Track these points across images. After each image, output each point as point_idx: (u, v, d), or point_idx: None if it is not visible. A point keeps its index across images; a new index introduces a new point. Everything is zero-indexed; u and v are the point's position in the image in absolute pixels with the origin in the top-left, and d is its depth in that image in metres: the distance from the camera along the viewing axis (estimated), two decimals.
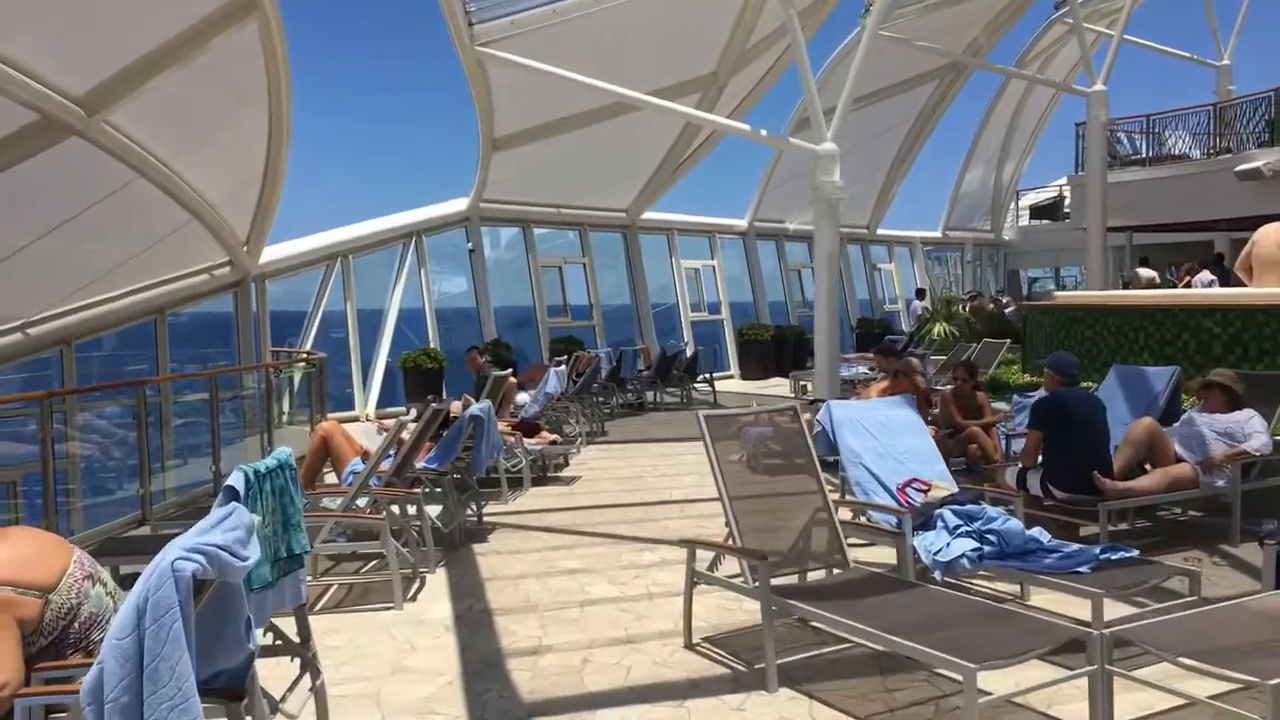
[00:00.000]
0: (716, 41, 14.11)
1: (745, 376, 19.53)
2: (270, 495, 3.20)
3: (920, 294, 21.70)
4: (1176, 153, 19.00)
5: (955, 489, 5.11)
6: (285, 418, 12.59)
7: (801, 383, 16.71)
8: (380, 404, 14.63)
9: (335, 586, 5.70)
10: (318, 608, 5.33)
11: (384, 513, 5.56)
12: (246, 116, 10.46)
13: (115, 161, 9.02)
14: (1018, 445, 7.11)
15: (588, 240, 18.13)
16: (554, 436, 9.10)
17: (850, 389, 11.17)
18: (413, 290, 15.42)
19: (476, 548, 6.53)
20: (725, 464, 4.48)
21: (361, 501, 5.79)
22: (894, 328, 23.93)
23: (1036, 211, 29.98)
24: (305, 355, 12.92)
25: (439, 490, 6.52)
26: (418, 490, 5.98)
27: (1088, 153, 17.04)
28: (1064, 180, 30.69)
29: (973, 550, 4.39)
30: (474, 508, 7.25)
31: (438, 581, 5.76)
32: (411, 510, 6.24)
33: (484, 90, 12.68)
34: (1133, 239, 19.01)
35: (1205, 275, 15.65)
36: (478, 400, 8.57)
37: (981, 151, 26.72)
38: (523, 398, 11.04)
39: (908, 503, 4.97)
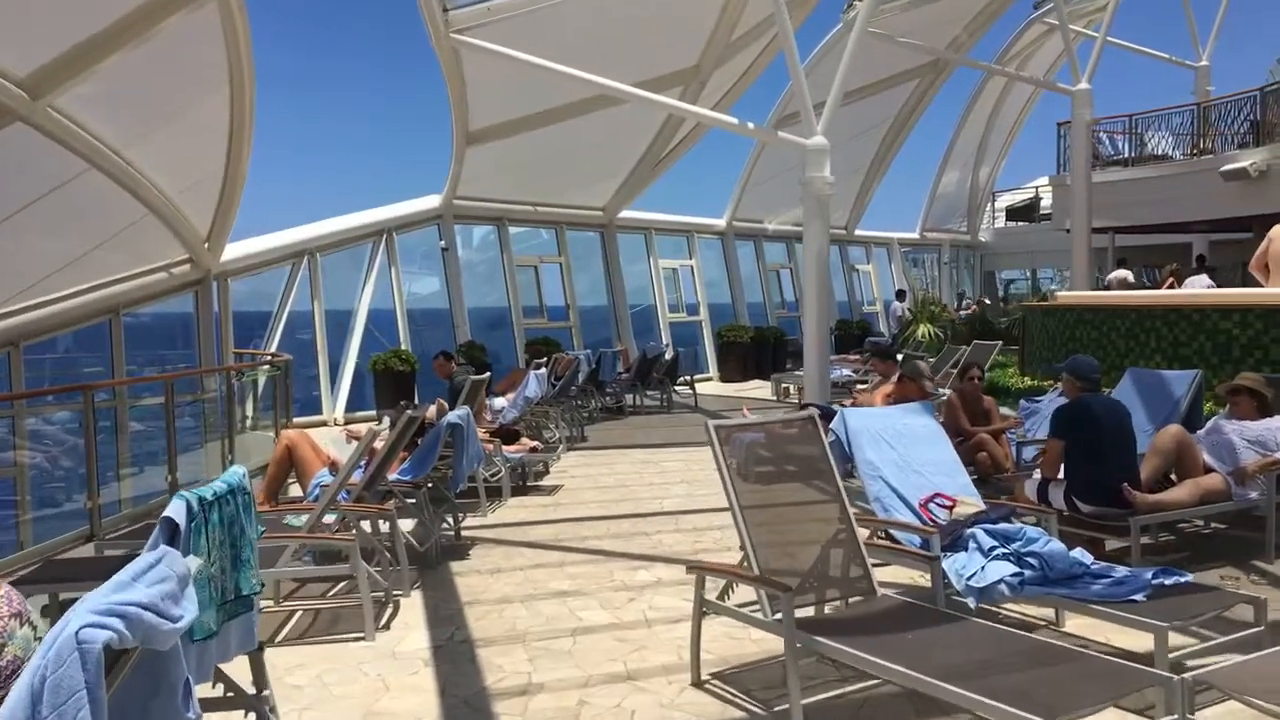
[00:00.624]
0: (699, 33, 13.68)
1: (724, 379, 19.11)
2: (218, 527, 2.70)
3: (901, 295, 21.41)
4: (1159, 153, 18.81)
5: (981, 505, 4.69)
6: (249, 423, 12.01)
7: (784, 385, 16.33)
8: (349, 408, 14.05)
9: (300, 613, 5.17)
10: (280, 638, 4.81)
11: (353, 531, 5.05)
12: (206, 104, 9.87)
13: (64, 150, 8.42)
14: (1028, 453, 6.72)
15: (564, 239, 17.64)
16: (534, 443, 8.61)
17: (842, 393, 10.76)
18: (383, 290, 14.85)
19: (455, 566, 6.03)
20: (737, 478, 4.01)
21: (329, 518, 5.27)
22: (873, 329, 23.63)
23: (1012, 213, 29.84)
24: (269, 357, 12.32)
25: (412, 503, 6.01)
26: (390, 506, 5.48)
27: (1072, 152, 16.80)
28: (1041, 181, 30.64)
29: (1012, 575, 3.96)
30: (451, 522, 6.75)
31: (413, 606, 5.25)
32: (384, 527, 5.74)
33: (458, 81, 12.16)
34: (1115, 240, 18.81)
35: (1203, 279, 15.37)
36: (452, 407, 8.07)
37: (958, 153, 26.52)
38: (499, 402, 10.54)
39: (933, 521, 4.53)
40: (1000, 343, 11.91)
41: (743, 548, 3.96)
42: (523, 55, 10.01)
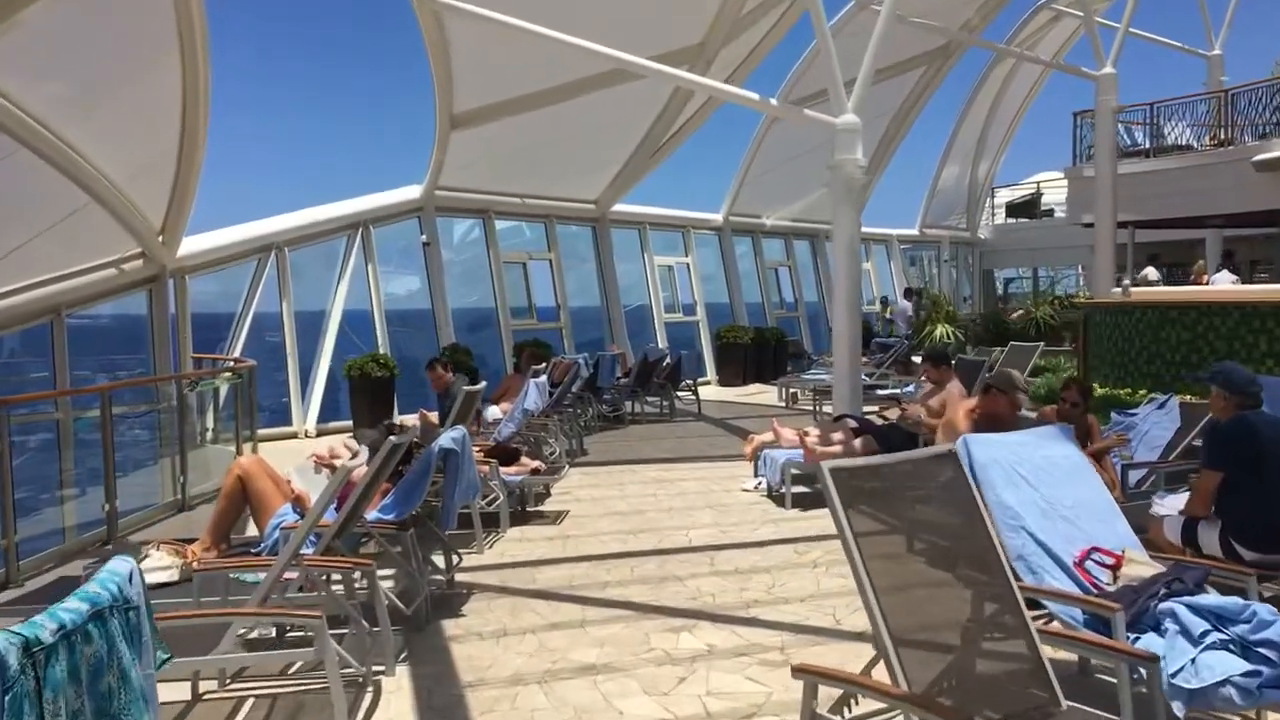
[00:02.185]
0: (705, 8, 12.54)
1: (724, 382, 18.00)
2: (67, 685, 1.51)
3: (909, 294, 20.35)
4: (1183, 143, 17.84)
5: (1151, 562, 3.56)
6: (210, 435, 10.75)
7: (792, 390, 15.23)
8: (323, 417, 12.80)
9: (251, 703, 3.98)
10: None
11: (318, 605, 3.86)
12: (154, 72, 8.63)
13: None
14: (1134, 477, 5.62)
15: (554, 234, 16.45)
16: (536, 463, 7.44)
17: (886, 404, 9.63)
18: (359, 289, 13.61)
19: (450, 628, 4.84)
20: (866, 544, 2.85)
21: (293, 574, 4.09)
22: (875, 329, 22.60)
23: (1012, 209, 28.90)
24: (233, 363, 11.07)
25: (398, 551, 4.82)
26: (369, 560, 4.28)
27: (1096, 141, 15.77)
28: (1042, 176, 29.76)
29: (1245, 674, 2.83)
30: (443, 565, 5.56)
31: (399, 690, 4.07)
32: (360, 581, 4.55)
33: (443, 55, 10.96)
34: (1135, 235, 17.84)
35: (1227, 276, 14.40)
36: (442, 423, 6.87)
37: (957, 147, 25.55)
38: (494, 412, 9.35)
39: (1098, 587, 3.40)
40: (1041, 344, 10.86)
41: (878, 646, 2.80)
42: (512, 19, 8.82)
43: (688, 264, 19.14)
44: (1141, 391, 7.14)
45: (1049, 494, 3.66)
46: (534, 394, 7.93)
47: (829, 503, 2.93)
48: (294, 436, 12.47)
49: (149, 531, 7.33)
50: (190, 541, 5.05)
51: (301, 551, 4.06)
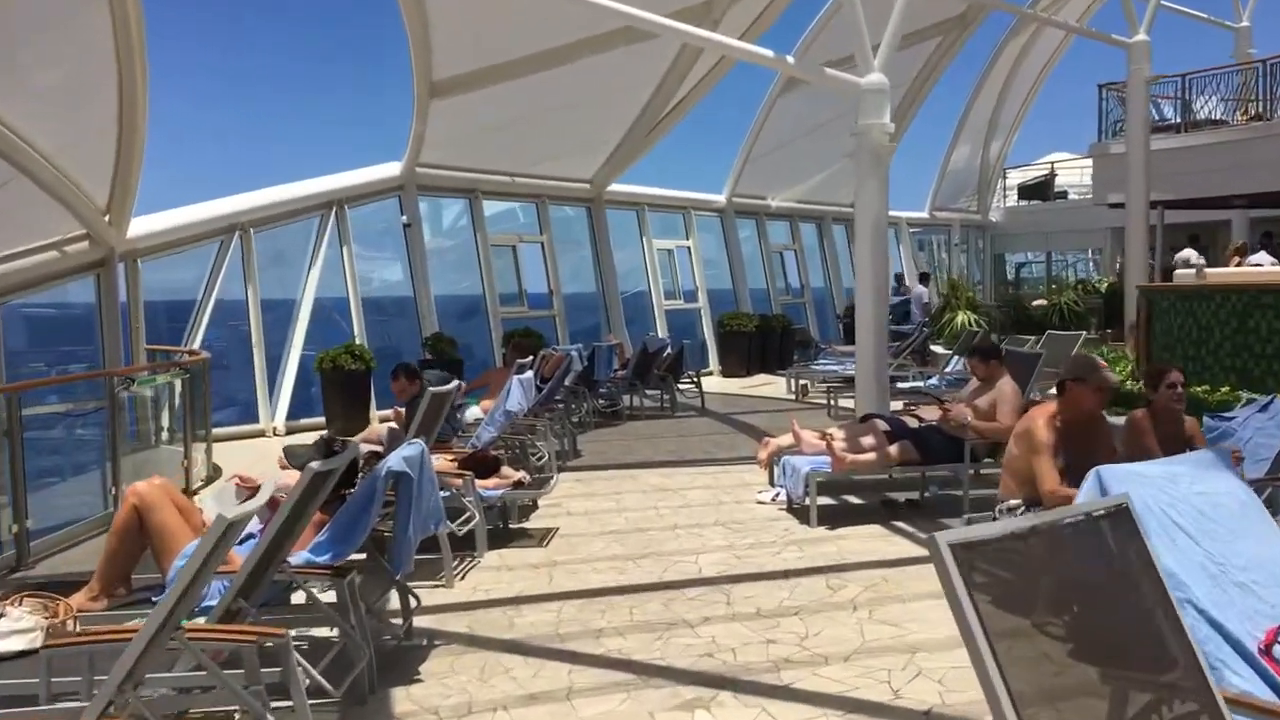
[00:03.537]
0: None
1: (726, 373, 16.94)
2: None
3: (925, 279, 19.27)
4: (1216, 118, 16.79)
5: None
6: (165, 436, 9.70)
7: (801, 381, 14.19)
8: (293, 414, 11.75)
9: None
10: None
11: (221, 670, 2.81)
12: (81, 21, 7.54)
13: None
14: None
15: (546, 215, 15.36)
16: (519, 474, 6.38)
17: (916, 402, 8.59)
18: (334, 274, 12.53)
19: (398, 701, 3.80)
20: (1003, 644, 1.81)
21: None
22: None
23: (1025, 191, 27.79)
24: (186, 355, 10.00)
25: (333, 603, 3.77)
26: (280, 631, 3.20)
27: (1128, 113, 14.74)
28: (1055, 157, 28.67)
29: None
30: (399, 606, 4.50)
31: None
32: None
33: (419, 13, 9.86)
34: (1164, 216, 16.78)
35: (1265, 257, 13.33)
36: (409, 426, 5.82)
37: (969, 126, 24.44)
38: (473, 413, 8.30)
39: None
40: (1083, 334, 9.83)
41: None
42: None
43: (689, 247, 18.07)
44: (1223, 389, 6.09)
45: (1217, 550, 2.61)
46: (517, 394, 6.87)
47: (947, 588, 1.90)
48: (261, 435, 11.43)
49: (65, 558, 6.28)
50: (77, 588, 4.01)
51: (212, 606, 3.00)
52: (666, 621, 4.64)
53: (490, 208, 15.31)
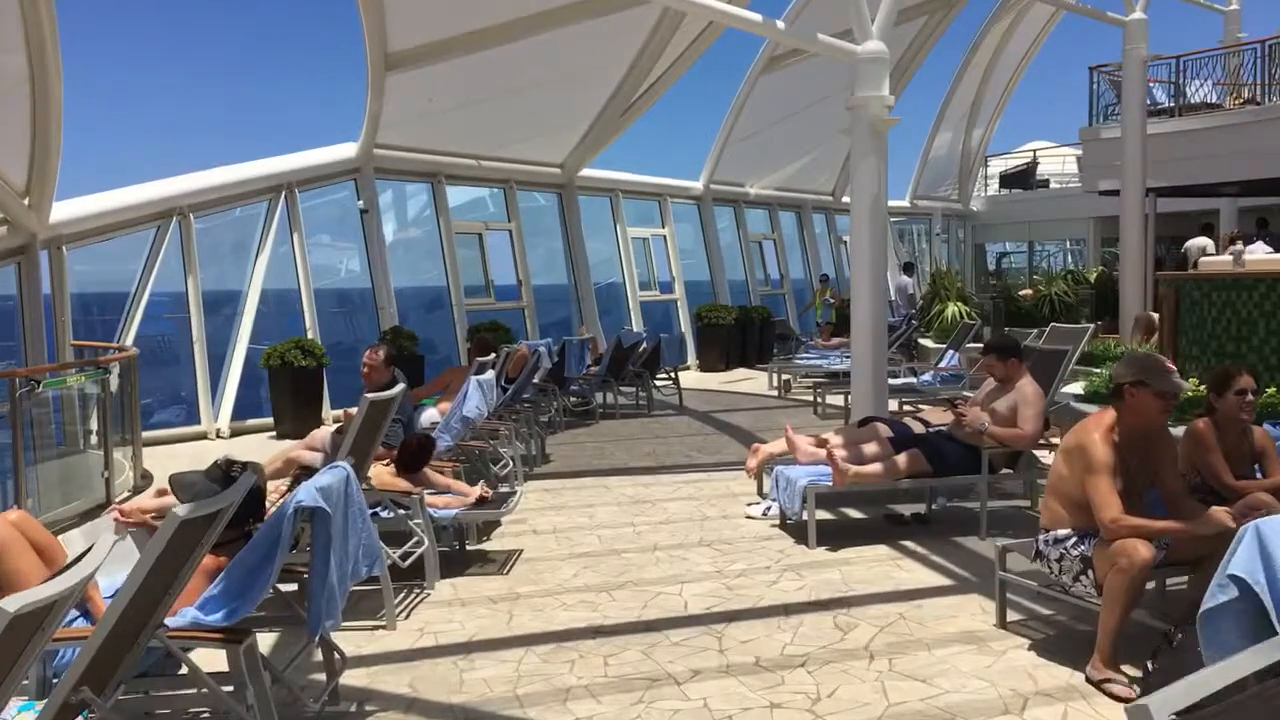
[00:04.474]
0: None
1: (704, 367, 16.20)
2: None
3: (909, 269, 18.58)
4: (1212, 101, 16.18)
5: None
6: (93, 439, 8.80)
7: (784, 376, 13.47)
8: (239, 414, 10.86)
9: None
10: None
11: None
12: None
13: None
14: None
15: (514, 201, 14.50)
16: (479, 491, 5.57)
17: (918, 404, 7.87)
18: (283, 264, 11.63)
19: None
20: None
21: None
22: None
23: (1006, 180, 27.22)
24: (114, 351, 9.09)
25: (227, 687, 2.95)
26: None
27: (1124, 95, 14.06)
28: (1037, 145, 28.12)
29: None
30: (325, 657, 3.70)
31: None
32: None
33: None
34: (1156, 204, 16.17)
35: (1262, 246, 12.72)
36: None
37: (950, 112, 23.81)
38: (430, 415, 7.47)
39: None
40: (1091, 327, 9.13)
41: None
42: None
43: (665, 236, 17.29)
44: (1270, 390, 5.39)
45: None
46: (475, 398, 6.07)
47: None
48: (203, 437, 10.54)
49: None
50: None
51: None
52: (648, 677, 3.86)
53: (459, 195, 14.48)
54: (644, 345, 12.21)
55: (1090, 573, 3.69)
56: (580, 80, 13.20)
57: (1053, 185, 26.81)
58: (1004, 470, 5.88)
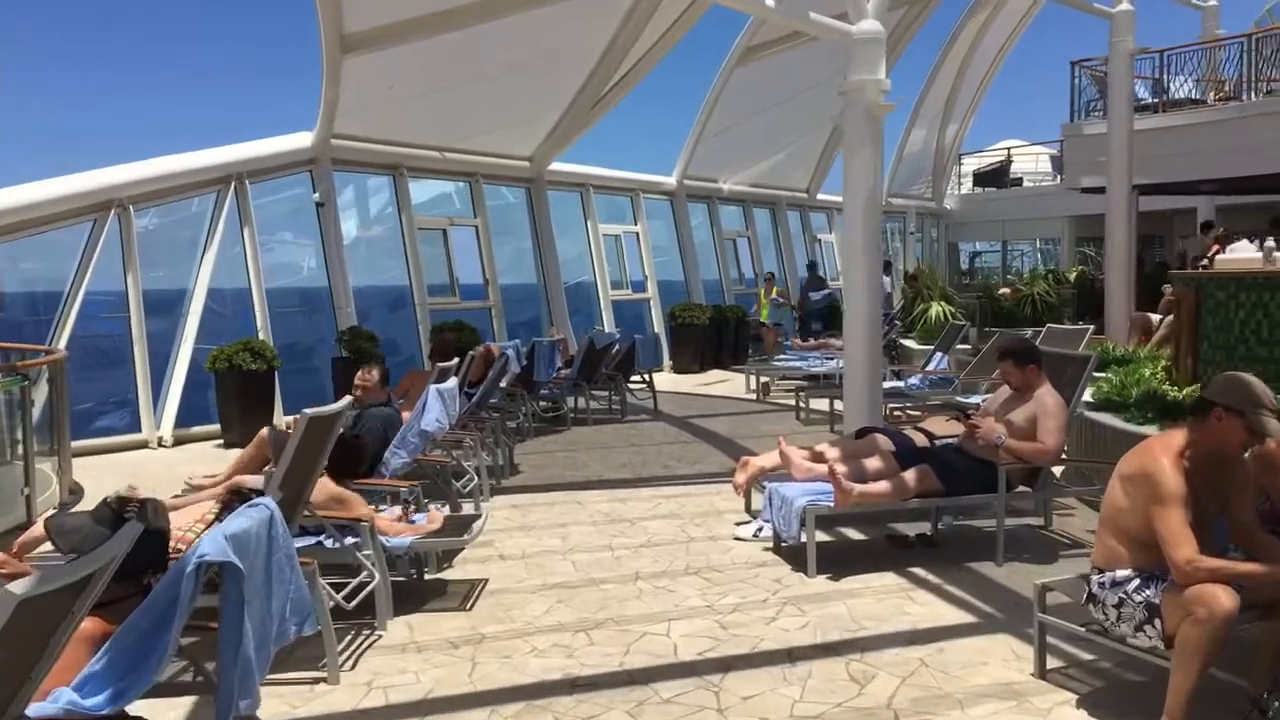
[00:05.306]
0: None
1: (679, 369, 15.65)
2: None
3: (887, 268, 18.10)
4: (1195, 97, 15.86)
5: None
6: (19, 451, 8.05)
7: (762, 379, 12.93)
8: (183, 421, 10.14)
9: None
10: None
11: None
12: None
13: None
14: None
15: (481, 196, 13.84)
16: (440, 515, 4.95)
17: (919, 413, 7.35)
18: (232, 260, 10.91)
19: None
20: None
21: None
22: (841, 308, 20.38)
23: (980, 178, 26.93)
24: (44, 354, 8.34)
25: None
26: None
27: (1110, 89, 13.71)
28: (1012, 143, 27.85)
29: None
30: None
31: None
32: None
33: None
34: (1139, 202, 15.83)
35: (1248, 246, 12.33)
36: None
37: (925, 108, 23.45)
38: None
39: None
40: (1090, 329, 8.68)
41: None
42: None
43: (637, 233, 16.69)
44: None
45: None
46: (435, 409, 5.44)
47: None
48: (144, 446, 9.80)
49: None
50: None
51: None
52: None
53: (425, 191, 13.81)
54: (617, 347, 11.62)
55: (1157, 623, 3.14)
56: (550, 68, 12.57)
57: (1026, 184, 26.57)
58: (1020, 488, 5.34)
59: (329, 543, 4.43)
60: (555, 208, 15.06)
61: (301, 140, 11.27)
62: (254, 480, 4.67)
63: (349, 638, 4.26)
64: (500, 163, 13.95)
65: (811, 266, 18.55)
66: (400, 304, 13.39)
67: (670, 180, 17.17)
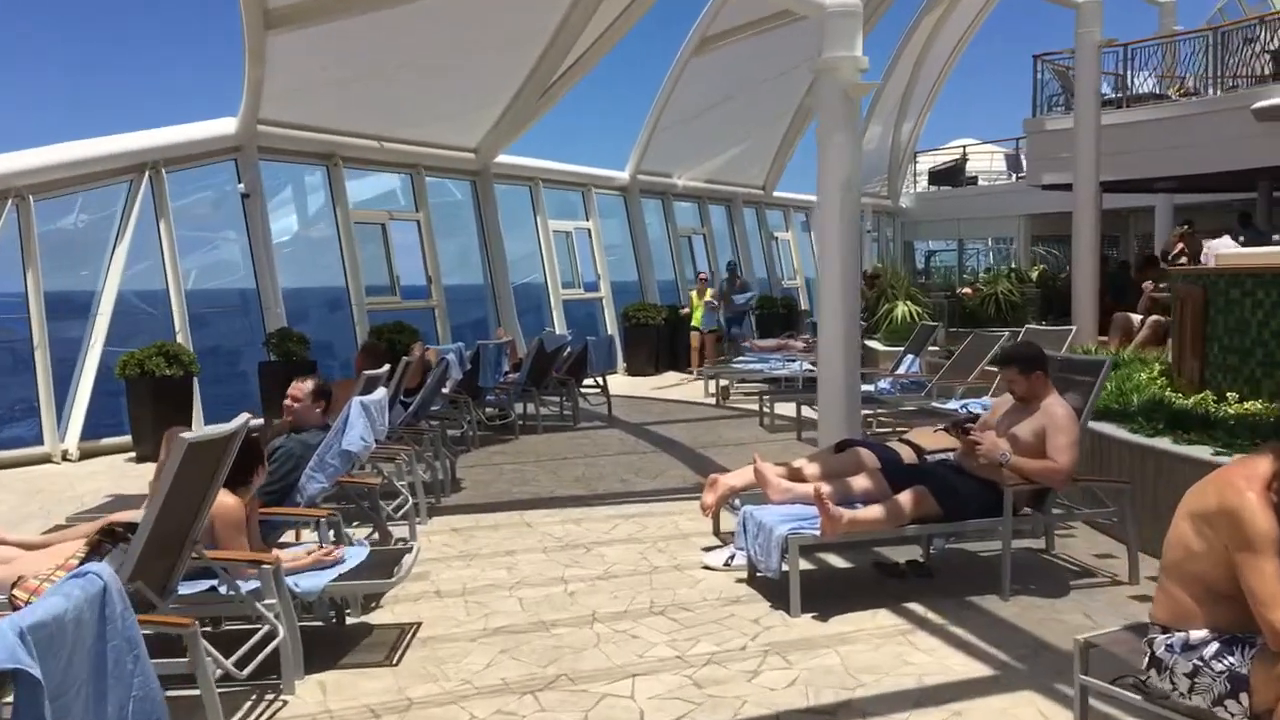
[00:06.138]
0: None
1: (633, 371, 14.99)
2: None
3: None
4: (1159, 91, 15.59)
5: None
6: None
7: (723, 383, 12.29)
8: (90, 433, 9.24)
9: None
10: None
11: None
12: None
13: None
14: None
15: (424, 188, 13.03)
16: (362, 548, 4.20)
17: (910, 425, 6.76)
18: (146, 256, 10.01)
19: None
20: None
21: None
22: (798, 308, 19.88)
23: (935, 176, 26.67)
24: None
25: None
26: None
27: (1078, 83, 13.35)
28: (966, 141, 27.63)
29: None
30: None
31: None
32: None
33: None
34: (1101, 200, 15.53)
35: (1227, 241, 12.02)
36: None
37: (880, 105, 23.06)
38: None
39: None
40: (1074, 328, 8.18)
41: None
42: None
43: (589, 230, 15.98)
44: None
45: None
46: (359, 425, 4.70)
47: None
48: (47, 460, 8.88)
49: None
50: None
51: None
52: None
53: (367, 188, 13.00)
54: (569, 349, 10.91)
55: (1243, 697, 2.53)
56: (496, 52, 11.82)
57: (981, 183, 26.36)
58: (1025, 510, 4.75)
59: (223, 589, 3.68)
60: (503, 203, 14.31)
61: (225, 126, 10.39)
62: (133, 516, 3.89)
63: (246, 709, 3.52)
64: (444, 154, 13.17)
65: (731, 267, 17.10)
66: (339, 305, 12.56)
67: (623, 175, 16.50)
